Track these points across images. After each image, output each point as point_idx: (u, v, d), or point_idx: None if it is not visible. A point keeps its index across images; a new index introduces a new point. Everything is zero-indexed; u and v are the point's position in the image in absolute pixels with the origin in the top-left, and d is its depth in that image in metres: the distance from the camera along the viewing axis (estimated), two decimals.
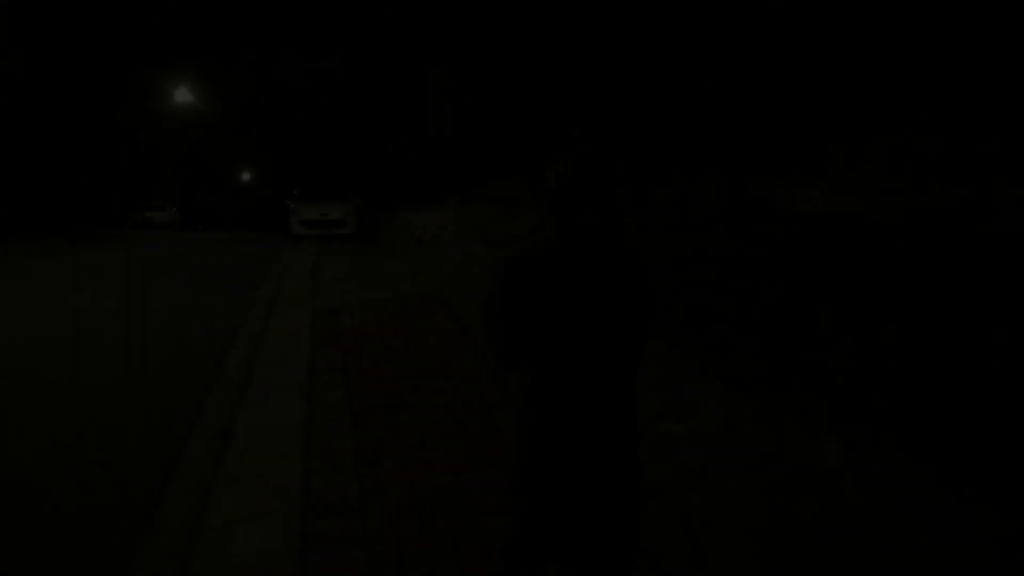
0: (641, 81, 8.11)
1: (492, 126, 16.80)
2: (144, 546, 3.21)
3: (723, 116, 6.63)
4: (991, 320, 3.18)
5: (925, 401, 3.10)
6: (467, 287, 7.76)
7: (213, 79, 33.40)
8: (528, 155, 19.93)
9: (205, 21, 31.05)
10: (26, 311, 7.67)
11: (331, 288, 8.99)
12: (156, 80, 30.17)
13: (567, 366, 1.88)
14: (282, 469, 3.91)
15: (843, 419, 3.26)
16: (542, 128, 15.53)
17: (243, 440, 4.30)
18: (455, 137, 16.13)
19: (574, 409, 1.88)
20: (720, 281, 4.80)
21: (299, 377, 5.42)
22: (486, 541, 3.24)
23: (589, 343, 1.88)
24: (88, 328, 6.92)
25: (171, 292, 8.88)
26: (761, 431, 3.34)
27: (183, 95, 29.59)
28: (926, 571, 2.47)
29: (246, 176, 50.60)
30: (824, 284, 4.13)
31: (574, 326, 1.86)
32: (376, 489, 3.72)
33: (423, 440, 4.34)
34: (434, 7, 14.91)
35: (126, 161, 30.56)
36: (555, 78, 12.08)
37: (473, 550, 3.18)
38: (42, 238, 19.68)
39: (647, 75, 7.98)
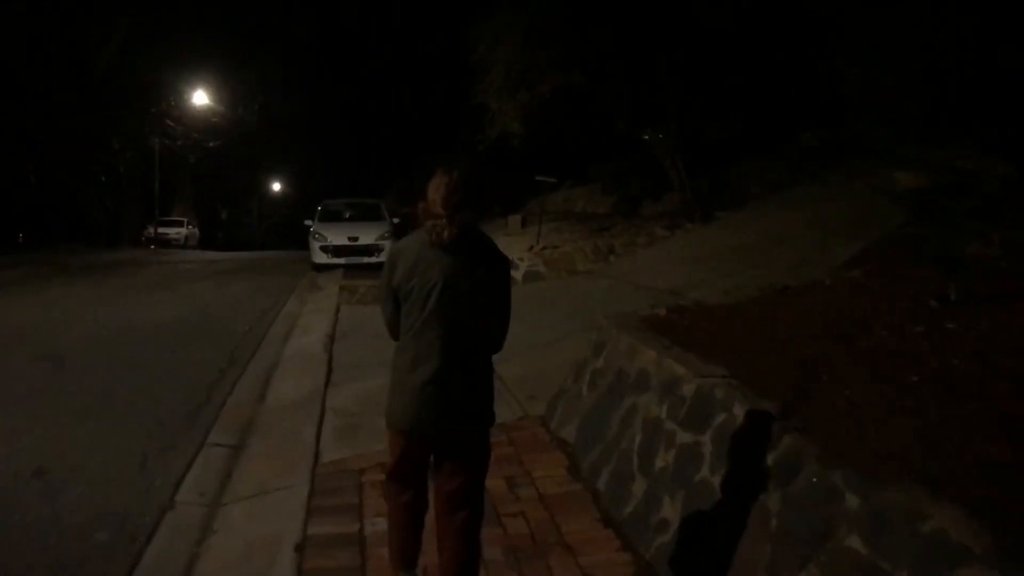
0: None
1: (566, 129, 13.69)
2: None
3: None
4: None
5: None
6: (601, 418, 3.78)
7: (241, 82, 30.15)
8: (605, 161, 16.52)
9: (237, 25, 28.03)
10: None
11: (352, 394, 5.12)
12: (175, 82, 26.81)
13: (436, 332, 2.31)
14: None
15: None
16: (621, 133, 12.94)
17: None
18: (521, 141, 12.92)
19: (440, 369, 2.31)
20: None
21: None
22: None
23: (452, 313, 2.31)
24: None
25: (75, 407, 5.11)
26: None
27: (201, 97, 26.17)
28: None
29: (276, 187, 47.51)
30: None
31: (441, 300, 2.30)
32: None
33: None
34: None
35: (135, 172, 27.20)
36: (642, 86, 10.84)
37: None
38: (19, 264, 16.21)
39: None
